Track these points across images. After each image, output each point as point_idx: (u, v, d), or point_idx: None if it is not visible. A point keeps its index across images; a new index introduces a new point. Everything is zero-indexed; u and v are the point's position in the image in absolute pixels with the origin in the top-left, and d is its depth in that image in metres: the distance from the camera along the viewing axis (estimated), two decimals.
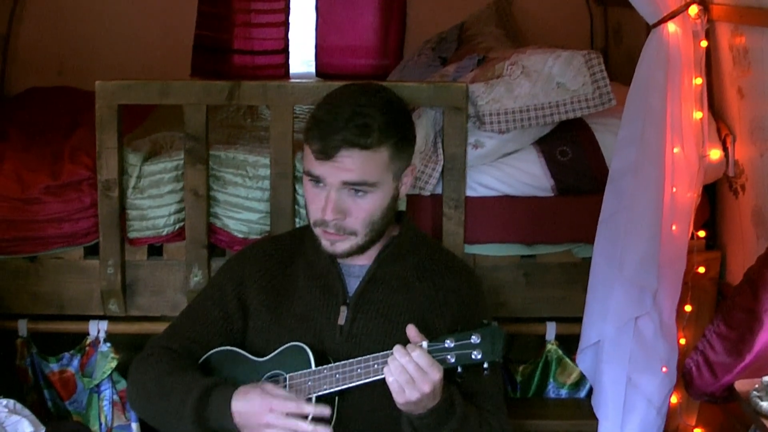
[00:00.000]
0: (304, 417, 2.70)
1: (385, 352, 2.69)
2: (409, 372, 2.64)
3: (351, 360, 2.78)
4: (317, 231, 2.96)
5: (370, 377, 2.73)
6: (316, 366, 2.83)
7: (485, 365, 2.65)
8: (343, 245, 2.94)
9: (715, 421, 3.60)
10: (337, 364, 2.80)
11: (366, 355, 2.81)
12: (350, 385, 2.76)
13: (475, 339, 2.65)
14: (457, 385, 2.82)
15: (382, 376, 2.68)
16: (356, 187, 2.88)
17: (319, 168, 2.89)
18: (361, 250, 2.98)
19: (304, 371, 2.83)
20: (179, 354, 3.00)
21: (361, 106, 2.91)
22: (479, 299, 3.12)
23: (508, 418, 3.05)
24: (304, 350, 2.87)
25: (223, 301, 3.09)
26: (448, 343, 2.67)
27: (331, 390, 2.78)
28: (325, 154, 2.85)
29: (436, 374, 2.65)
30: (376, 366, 2.71)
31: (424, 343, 2.68)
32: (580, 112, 3.69)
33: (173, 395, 2.85)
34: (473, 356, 2.64)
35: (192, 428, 2.80)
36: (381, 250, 3.04)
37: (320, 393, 2.78)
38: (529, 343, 4.11)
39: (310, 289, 3.05)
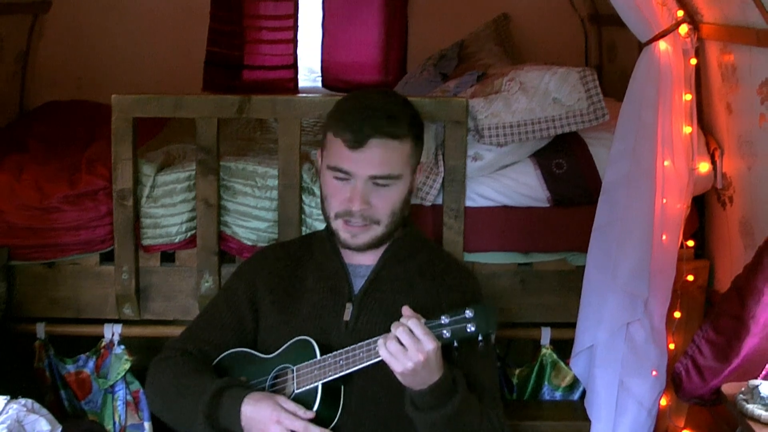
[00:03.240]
0: None
1: (385, 335, 2.70)
2: (403, 342, 2.64)
3: (353, 345, 2.79)
4: (337, 223, 3.01)
5: (372, 359, 2.73)
6: (321, 354, 2.84)
7: (480, 338, 2.65)
8: (365, 236, 2.99)
9: (703, 422, 3.60)
10: (340, 351, 2.81)
11: None
12: (354, 368, 2.77)
13: (468, 314, 2.65)
14: None
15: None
16: (383, 179, 2.94)
17: (348, 161, 2.93)
18: (379, 241, 3.02)
19: (310, 361, 2.85)
20: (194, 356, 3.03)
21: (389, 100, 2.99)
22: (478, 298, 3.13)
23: (504, 417, 3.05)
24: (310, 343, 2.89)
25: (235, 304, 3.11)
26: (444, 320, 2.67)
27: (337, 375, 2.79)
28: (358, 142, 2.90)
29: (429, 343, 2.64)
30: (376, 348, 2.71)
31: (421, 321, 2.69)
32: (575, 127, 3.69)
33: (188, 395, 2.87)
34: (468, 329, 2.64)
35: (203, 427, 2.82)
36: (385, 251, 3.07)
37: (327, 379, 2.79)
38: (525, 348, 4.12)
39: (319, 289, 3.08)
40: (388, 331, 2.70)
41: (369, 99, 3.02)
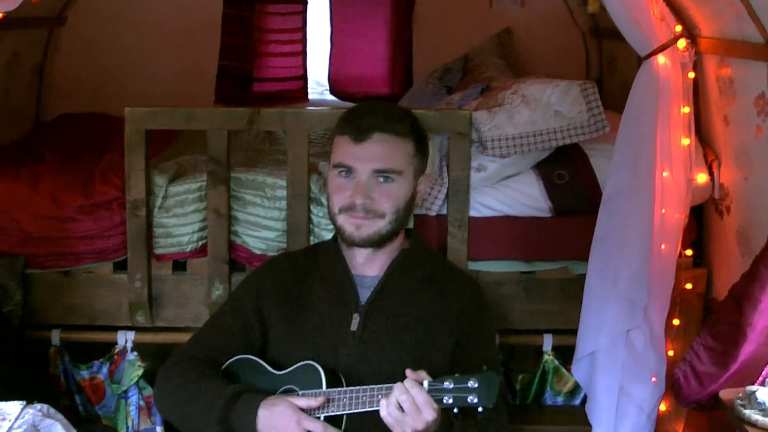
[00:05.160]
0: None
1: (390, 385, 2.69)
2: (404, 408, 2.62)
3: (359, 387, 2.78)
4: (342, 219, 3.03)
5: (374, 407, 2.72)
6: (327, 385, 2.84)
7: (480, 409, 2.61)
8: (369, 228, 3.01)
9: (702, 427, 3.60)
10: (346, 389, 2.80)
11: (376, 359, 2.89)
12: (356, 411, 2.76)
13: (472, 384, 2.61)
14: None
15: None
16: (385, 174, 2.99)
17: (351, 157, 3.00)
18: (382, 239, 3.03)
19: (316, 391, 2.84)
20: (202, 362, 3.02)
21: (392, 106, 3.15)
22: (482, 308, 3.14)
23: (508, 422, 3.05)
24: (317, 370, 2.88)
25: (242, 313, 3.11)
26: (447, 384, 2.64)
27: (339, 413, 2.79)
28: (361, 135, 2.98)
29: (430, 414, 2.62)
30: (380, 397, 2.70)
31: (425, 382, 2.66)
32: (576, 138, 3.70)
33: (201, 400, 2.87)
34: (469, 400, 2.61)
35: (216, 430, 2.81)
36: (391, 262, 3.08)
37: (329, 414, 2.79)
38: (528, 354, 4.12)
39: (325, 299, 3.07)
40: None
41: (373, 103, 3.16)
